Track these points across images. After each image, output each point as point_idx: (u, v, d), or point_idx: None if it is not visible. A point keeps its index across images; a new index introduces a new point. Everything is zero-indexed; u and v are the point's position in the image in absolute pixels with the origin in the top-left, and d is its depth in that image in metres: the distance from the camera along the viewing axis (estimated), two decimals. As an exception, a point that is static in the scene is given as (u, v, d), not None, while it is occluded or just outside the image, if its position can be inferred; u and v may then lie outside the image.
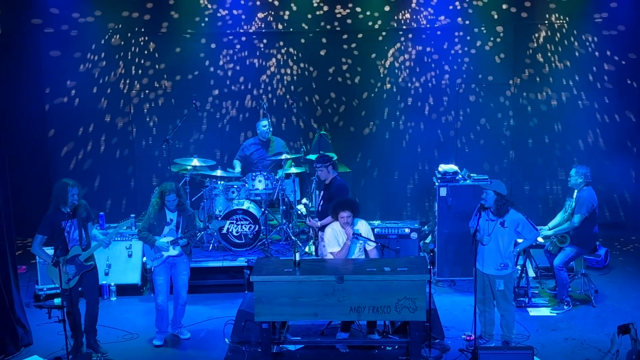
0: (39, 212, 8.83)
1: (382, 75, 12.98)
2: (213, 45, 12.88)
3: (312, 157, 11.52)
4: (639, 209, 13.00)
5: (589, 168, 9.87)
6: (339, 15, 12.79)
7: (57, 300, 9.23)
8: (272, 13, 12.76)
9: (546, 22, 12.72)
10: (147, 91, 12.96)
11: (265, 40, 12.92)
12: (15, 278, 8.96)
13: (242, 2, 12.70)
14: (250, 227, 11.06)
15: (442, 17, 12.77)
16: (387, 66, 12.96)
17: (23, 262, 11.39)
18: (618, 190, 13.05)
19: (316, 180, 11.13)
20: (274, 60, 12.99)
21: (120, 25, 12.69)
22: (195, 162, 11.35)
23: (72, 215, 8.43)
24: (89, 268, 8.61)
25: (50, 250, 8.61)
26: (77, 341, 8.65)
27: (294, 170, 11.56)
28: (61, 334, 8.31)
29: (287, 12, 12.76)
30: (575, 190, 9.80)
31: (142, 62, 12.86)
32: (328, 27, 12.84)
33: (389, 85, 13.01)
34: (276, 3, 12.72)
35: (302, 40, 12.92)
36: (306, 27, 12.84)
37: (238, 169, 11.77)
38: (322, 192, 9.97)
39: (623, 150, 12.94)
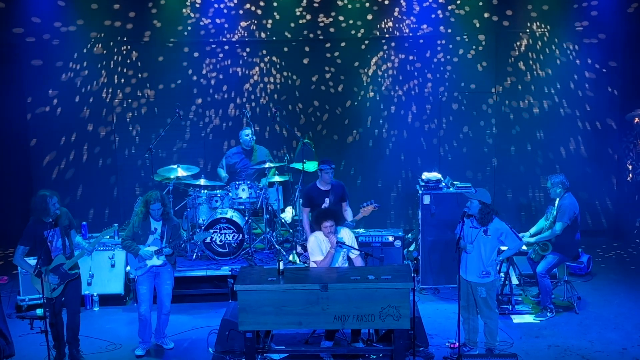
0: (20, 222, 8.80)
1: (365, 84, 13.02)
2: (196, 54, 12.87)
3: (297, 165, 11.54)
4: (621, 216, 13.10)
5: (562, 174, 9.96)
6: (321, 24, 12.82)
7: (39, 311, 9.18)
8: (255, 22, 12.77)
9: (528, 30, 12.81)
10: (129, 100, 12.92)
11: (248, 49, 12.93)
12: (-3, 289, 8.92)
13: (225, 11, 12.70)
14: (234, 236, 11.04)
15: (425, 26, 12.83)
16: (370, 74, 13.00)
17: (4, 272, 11.34)
18: (600, 197, 13.14)
19: (300, 189, 11.13)
20: (257, 68, 13.00)
21: (102, 34, 12.65)
22: (179, 171, 11.32)
23: (54, 225, 8.38)
24: (74, 276, 8.57)
25: (32, 261, 8.55)
26: (60, 352, 8.60)
27: (277, 178, 11.57)
28: (43, 345, 8.26)
29: (270, 21, 12.77)
30: (557, 199, 9.86)
31: (125, 71, 12.82)
32: (311, 35, 12.87)
33: (372, 94, 13.05)
34: (259, 12, 12.73)
35: (285, 49, 12.94)
36: (289, 36, 12.86)
37: (224, 173, 11.73)
38: (324, 198, 9.97)
39: (604, 157, 13.04)
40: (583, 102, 12.95)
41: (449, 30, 12.83)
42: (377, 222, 12.80)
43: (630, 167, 12.98)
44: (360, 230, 11.16)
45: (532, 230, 10.15)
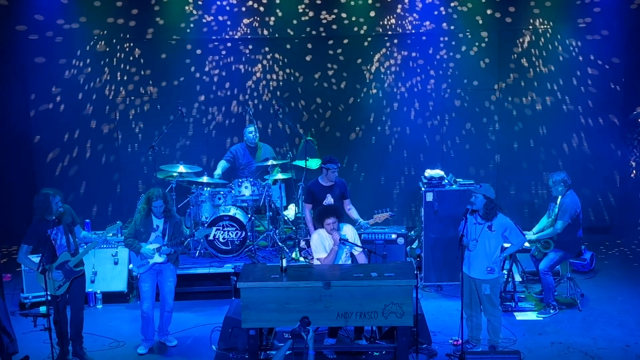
0: (23, 219, 8.81)
1: (368, 81, 13.00)
2: (199, 51, 12.87)
3: (299, 162, 11.55)
4: (624, 212, 13.08)
5: (563, 172, 9.94)
6: (324, 21, 12.81)
7: (42, 309, 9.20)
8: (258, 19, 12.77)
9: (530, 27, 12.79)
10: (132, 97, 12.93)
11: (250, 46, 12.92)
12: (0, 286, 8.90)
13: (228, 8, 12.70)
14: (237, 233, 11.05)
15: (427, 23, 12.81)
16: (372, 71, 12.98)
17: (8, 270, 11.33)
18: (603, 193, 13.13)
19: (303, 187, 11.13)
20: (259, 66, 12.99)
21: (105, 32, 12.65)
22: (181, 168, 11.33)
23: (58, 222, 8.39)
24: (79, 274, 8.60)
25: (37, 259, 8.56)
26: (63, 349, 8.62)
27: (280, 176, 11.57)
28: (47, 342, 8.28)
29: (272, 18, 12.76)
30: (559, 196, 9.85)
31: (128, 68, 12.83)
32: (313, 32, 12.86)
33: (374, 91, 13.04)
34: (261, 9, 12.72)
35: (288, 46, 12.93)
36: (292, 33, 12.85)
37: (219, 170, 11.73)
38: (326, 194, 9.98)
39: (607, 153, 13.01)
40: (586, 99, 12.93)
41: (452, 27, 12.82)
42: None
43: (634, 163, 12.97)
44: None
45: (535, 228, 10.16)
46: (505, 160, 13.16)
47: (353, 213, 10.07)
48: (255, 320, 8.00)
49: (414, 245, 11.56)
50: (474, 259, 8.58)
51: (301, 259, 10.50)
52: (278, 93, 13.04)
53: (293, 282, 8.02)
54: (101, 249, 10.57)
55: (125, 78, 12.86)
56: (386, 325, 8.55)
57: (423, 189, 10.85)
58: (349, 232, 8.95)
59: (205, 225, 10.95)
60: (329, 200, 9.95)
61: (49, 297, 8.38)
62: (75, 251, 8.59)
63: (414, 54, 12.95)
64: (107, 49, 12.74)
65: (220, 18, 12.73)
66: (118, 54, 12.78)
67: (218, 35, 12.82)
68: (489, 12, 12.73)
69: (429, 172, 11.05)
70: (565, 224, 9.67)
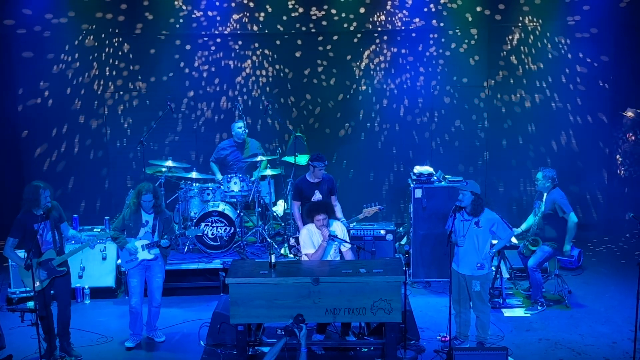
0: (11, 214, 8.74)
1: (357, 77, 13.00)
2: (188, 47, 12.83)
3: (289, 158, 11.54)
4: (612, 209, 13.14)
5: (554, 170, 10.00)
6: (314, 17, 12.79)
7: (30, 304, 9.15)
8: (247, 14, 12.74)
9: (520, 24, 12.81)
10: (121, 92, 12.88)
11: (240, 42, 12.90)
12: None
13: (217, 3, 12.66)
14: (226, 229, 11.03)
15: (417, 19, 12.82)
16: (362, 68, 12.98)
17: (-5, 265, 11.31)
18: (591, 191, 13.19)
19: (292, 183, 11.13)
20: (249, 61, 12.96)
21: (94, 26, 12.60)
22: (170, 163, 11.29)
23: (45, 217, 8.35)
24: (61, 274, 8.51)
25: (22, 253, 8.51)
26: (51, 344, 8.59)
27: (269, 172, 11.56)
28: (34, 338, 8.25)
29: (262, 14, 12.74)
30: (545, 193, 9.89)
31: (117, 63, 12.78)
32: (303, 28, 12.85)
33: (364, 87, 13.04)
34: (251, 5, 12.70)
35: (278, 42, 12.91)
36: (281, 29, 12.83)
37: (219, 175, 11.71)
38: (314, 191, 9.95)
39: (595, 151, 13.08)
40: (574, 96, 12.98)
41: (442, 24, 12.82)
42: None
43: (619, 161, 13.03)
44: (352, 224, 11.15)
45: (523, 226, 10.21)
46: (494, 157, 13.19)
47: (337, 211, 9.99)
48: (243, 316, 7.99)
49: (403, 242, 11.58)
50: (463, 256, 8.60)
51: (290, 255, 10.49)
52: (267, 89, 13.02)
53: (282, 278, 8.02)
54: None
55: (114, 73, 12.81)
56: (374, 322, 8.56)
57: (412, 185, 10.87)
58: (338, 228, 8.94)
59: (194, 220, 10.93)
60: (317, 196, 9.94)
61: (36, 293, 8.34)
62: (61, 249, 8.54)
63: (403, 51, 12.96)
64: (96, 44, 12.68)
65: (209, 13, 12.69)
66: (107, 49, 12.72)
67: (207, 30, 12.78)
68: (478, 9, 12.74)
69: (418, 169, 11.08)
70: (573, 212, 9.73)
